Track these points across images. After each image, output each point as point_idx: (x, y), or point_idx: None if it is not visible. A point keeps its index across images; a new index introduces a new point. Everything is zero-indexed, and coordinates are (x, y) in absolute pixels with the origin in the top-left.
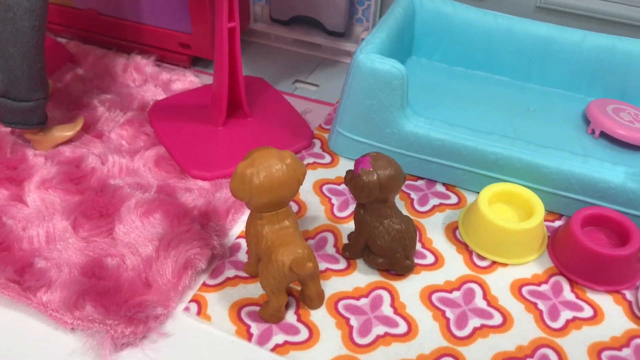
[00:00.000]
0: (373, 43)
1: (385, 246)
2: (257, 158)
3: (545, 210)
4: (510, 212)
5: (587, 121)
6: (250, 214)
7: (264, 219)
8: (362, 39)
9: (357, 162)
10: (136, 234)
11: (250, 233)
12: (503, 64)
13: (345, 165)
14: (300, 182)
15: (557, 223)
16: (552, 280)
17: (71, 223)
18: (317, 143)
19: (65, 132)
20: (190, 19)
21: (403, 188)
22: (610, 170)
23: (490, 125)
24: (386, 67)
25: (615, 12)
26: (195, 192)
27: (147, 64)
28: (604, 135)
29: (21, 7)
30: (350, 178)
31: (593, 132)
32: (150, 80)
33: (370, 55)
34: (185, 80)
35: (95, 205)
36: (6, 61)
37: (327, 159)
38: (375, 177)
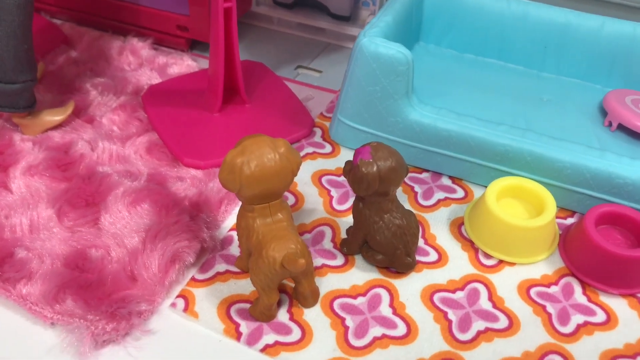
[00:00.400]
0: (378, 26)
1: (385, 242)
2: (248, 146)
3: (557, 206)
4: (520, 207)
5: (604, 113)
6: (241, 206)
7: (256, 211)
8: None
9: (357, 153)
10: (122, 224)
11: (241, 226)
12: (516, 52)
13: (346, 156)
14: (294, 173)
15: (570, 220)
16: (562, 281)
17: (56, 212)
18: (318, 132)
19: (55, 116)
20: (188, 0)
21: (406, 180)
22: (628, 166)
23: (501, 115)
24: (391, 52)
25: None
26: (187, 181)
27: (143, 47)
28: (621, 128)
29: None
30: (349, 169)
31: (610, 124)
32: (146, 64)
33: (374, 39)
34: (182, 64)
35: (82, 194)
36: None
37: (328, 148)
38: (375, 169)
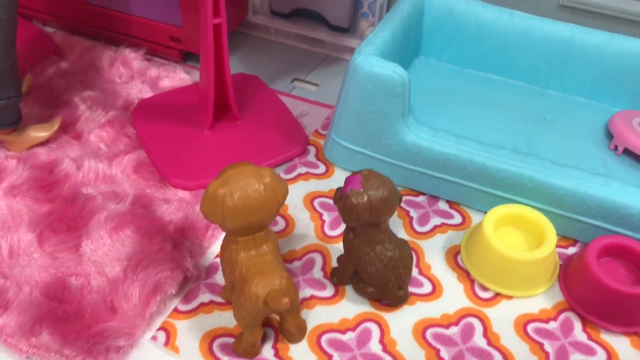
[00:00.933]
0: (374, 43)
1: (377, 274)
2: (231, 176)
3: (559, 234)
4: (519, 237)
5: (609, 135)
6: (225, 237)
7: (239, 243)
8: (367, 36)
9: (347, 181)
10: (104, 252)
11: (224, 258)
12: (519, 68)
13: (340, 176)
14: (280, 204)
15: (571, 250)
16: (561, 316)
17: (37, 236)
18: (312, 150)
19: (40, 132)
20: (181, 11)
21: (402, 204)
22: (634, 195)
23: (502, 136)
24: (386, 72)
25: None
26: (173, 203)
27: (135, 58)
28: (628, 152)
29: None
30: (339, 197)
31: (616, 148)
32: (137, 76)
33: (370, 57)
34: (175, 77)
35: (64, 217)
36: None
37: (322, 168)
38: (365, 199)
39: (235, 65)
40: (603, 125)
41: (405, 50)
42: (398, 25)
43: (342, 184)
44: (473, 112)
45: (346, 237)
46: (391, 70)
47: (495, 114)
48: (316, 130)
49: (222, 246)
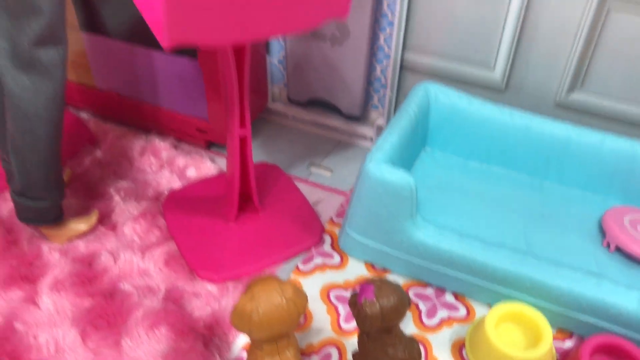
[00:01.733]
0: (383, 149)
1: None
2: (256, 293)
3: (556, 327)
4: (518, 333)
5: (603, 231)
6: (251, 343)
7: (264, 350)
8: (378, 126)
9: (361, 291)
10: (142, 350)
11: None
12: (519, 161)
13: (354, 267)
14: (300, 314)
15: (568, 343)
16: None
17: (80, 332)
18: (327, 240)
19: (80, 225)
20: (208, 107)
21: (412, 296)
22: (624, 295)
23: (502, 232)
24: (394, 178)
25: (638, 114)
26: (202, 297)
27: (164, 148)
28: (620, 249)
29: (39, 117)
30: (354, 303)
31: (608, 245)
32: (166, 166)
33: (380, 165)
34: (201, 166)
35: (104, 314)
36: (23, 165)
37: (336, 259)
38: (377, 308)
39: (256, 150)
40: (597, 220)
41: (413, 145)
42: (405, 126)
43: (355, 275)
44: (475, 207)
45: (361, 339)
46: (399, 177)
47: (495, 209)
48: (331, 219)
49: (248, 351)
